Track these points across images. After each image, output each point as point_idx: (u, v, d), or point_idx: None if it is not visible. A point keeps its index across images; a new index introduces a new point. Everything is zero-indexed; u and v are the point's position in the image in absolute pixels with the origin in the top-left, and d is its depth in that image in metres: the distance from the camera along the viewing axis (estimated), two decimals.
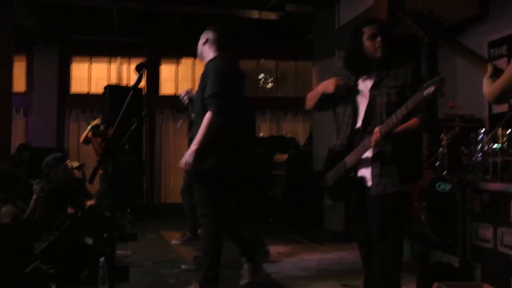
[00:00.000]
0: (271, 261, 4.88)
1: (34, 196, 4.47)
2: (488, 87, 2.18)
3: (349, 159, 2.77)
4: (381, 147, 2.64)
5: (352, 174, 2.79)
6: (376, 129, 2.60)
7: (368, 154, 2.73)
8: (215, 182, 3.64)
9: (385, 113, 2.70)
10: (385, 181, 2.70)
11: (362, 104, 2.82)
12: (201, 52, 3.83)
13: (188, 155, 3.57)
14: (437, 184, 4.80)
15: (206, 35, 3.80)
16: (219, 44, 3.78)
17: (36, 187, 4.49)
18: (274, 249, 5.37)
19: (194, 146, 3.54)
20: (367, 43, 2.79)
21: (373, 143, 2.62)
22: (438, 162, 5.05)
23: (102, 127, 7.49)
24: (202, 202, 3.73)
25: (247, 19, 8.75)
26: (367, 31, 2.80)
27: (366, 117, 2.77)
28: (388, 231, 2.70)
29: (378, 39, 2.77)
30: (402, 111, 2.54)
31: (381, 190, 2.70)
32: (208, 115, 3.49)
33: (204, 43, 3.79)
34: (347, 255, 5.13)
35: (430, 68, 6.20)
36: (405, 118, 2.61)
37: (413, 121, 2.68)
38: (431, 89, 2.40)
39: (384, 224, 2.71)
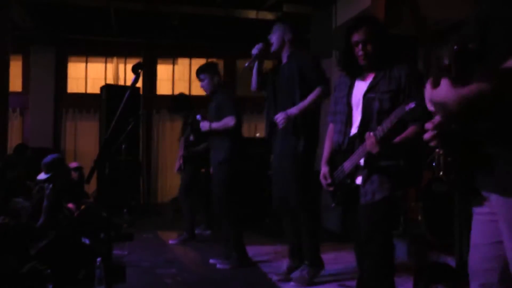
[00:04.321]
0: (269, 261, 4.88)
1: (45, 203, 4.30)
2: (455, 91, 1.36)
3: (347, 165, 2.75)
4: (377, 152, 2.58)
5: (349, 181, 2.77)
6: (369, 134, 2.56)
7: (362, 161, 2.70)
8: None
9: (376, 121, 2.66)
10: (373, 189, 2.67)
11: (356, 108, 2.78)
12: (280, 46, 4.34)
13: (286, 114, 3.79)
14: (434, 185, 4.82)
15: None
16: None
17: (44, 192, 4.34)
18: (271, 249, 5.38)
19: (296, 110, 3.81)
20: (353, 48, 2.75)
21: (368, 148, 2.59)
22: (435, 163, 5.06)
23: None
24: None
25: (245, 19, 8.74)
26: (353, 36, 2.75)
27: (363, 122, 2.72)
28: (376, 236, 2.69)
29: (359, 47, 2.71)
30: (387, 124, 2.51)
31: (369, 199, 2.68)
32: (319, 90, 3.84)
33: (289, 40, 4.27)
34: (344, 255, 5.12)
35: (427, 68, 6.22)
36: (400, 130, 2.59)
37: (411, 130, 2.64)
38: (411, 105, 2.37)
39: (372, 229, 2.69)
